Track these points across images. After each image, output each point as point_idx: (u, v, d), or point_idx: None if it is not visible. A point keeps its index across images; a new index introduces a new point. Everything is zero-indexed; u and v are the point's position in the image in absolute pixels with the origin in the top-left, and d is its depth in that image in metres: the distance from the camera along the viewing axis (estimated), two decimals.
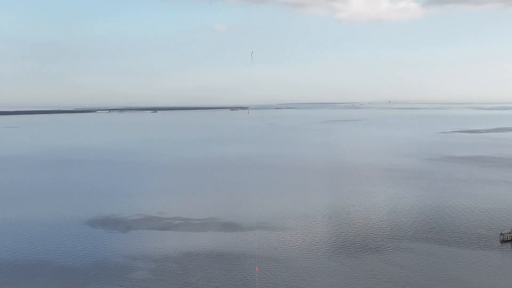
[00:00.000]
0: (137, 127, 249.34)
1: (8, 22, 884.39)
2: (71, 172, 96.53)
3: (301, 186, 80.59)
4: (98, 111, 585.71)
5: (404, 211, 68.24)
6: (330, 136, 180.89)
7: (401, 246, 55.36)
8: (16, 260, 53.35)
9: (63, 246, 57.34)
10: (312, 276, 48.59)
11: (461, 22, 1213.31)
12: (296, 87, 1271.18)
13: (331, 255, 53.20)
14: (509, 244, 57.44)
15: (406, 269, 49.81)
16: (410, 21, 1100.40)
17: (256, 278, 46.50)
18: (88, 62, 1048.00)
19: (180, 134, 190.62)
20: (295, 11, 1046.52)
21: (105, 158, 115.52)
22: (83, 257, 53.87)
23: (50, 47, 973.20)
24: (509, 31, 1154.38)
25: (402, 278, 47.52)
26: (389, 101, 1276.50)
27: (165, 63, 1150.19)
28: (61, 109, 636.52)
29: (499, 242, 57.49)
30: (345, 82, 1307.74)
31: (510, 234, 60.90)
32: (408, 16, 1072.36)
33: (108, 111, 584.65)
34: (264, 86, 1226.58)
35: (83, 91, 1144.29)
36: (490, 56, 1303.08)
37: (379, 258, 52.46)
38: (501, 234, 61.12)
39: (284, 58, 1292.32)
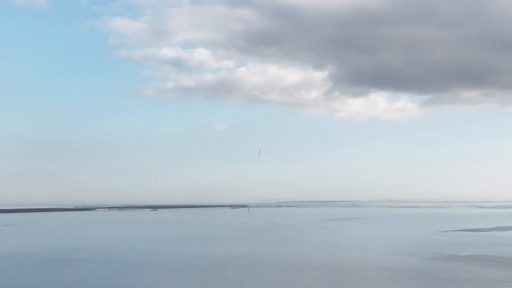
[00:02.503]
0: (136, 225, 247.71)
1: (9, 120, 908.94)
2: (67, 271, 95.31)
3: (301, 287, 79.48)
4: (98, 209, 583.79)
5: None
6: (330, 234, 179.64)
7: None
8: None
9: None
10: None
11: (458, 122, 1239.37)
12: (296, 185, 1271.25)
13: None
14: None
15: None
16: (407, 121, 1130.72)
17: None
18: (88, 160, 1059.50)
19: (180, 232, 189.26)
20: (294, 110, 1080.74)
21: (103, 257, 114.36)
22: None
23: (50, 145, 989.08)
24: (507, 130, 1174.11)
25: None
26: (389, 199, 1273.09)
27: (165, 161, 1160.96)
28: (60, 207, 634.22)
29: None
30: (345, 180, 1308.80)
31: None
32: (406, 116, 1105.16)
33: (108, 209, 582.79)
34: (264, 184, 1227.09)
35: (83, 189, 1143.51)
36: (488, 154, 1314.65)
37: None
38: None
39: (284, 156, 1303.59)
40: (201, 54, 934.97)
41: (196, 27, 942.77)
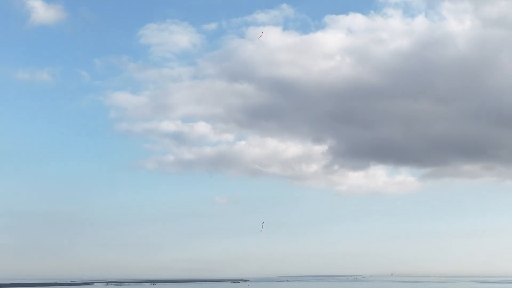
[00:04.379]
0: None
1: (8, 193, 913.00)
2: None
3: None
4: (95, 283, 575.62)
5: None
6: None
7: None
8: None
9: None
10: None
11: (458, 195, 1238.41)
12: (297, 259, 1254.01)
13: None
14: None
15: None
16: (408, 194, 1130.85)
17: None
18: (87, 233, 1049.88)
19: None
20: (294, 183, 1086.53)
21: None
22: None
23: (49, 218, 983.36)
24: (508, 204, 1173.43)
25: None
26: (391, 274, 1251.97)
27: (164, 234, 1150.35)
28: (58, 281, 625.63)
29: None
30: (346, 254, 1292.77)
31: None
32: (406, 189, 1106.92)
33: (106, 283, 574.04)
34: (265, 258, 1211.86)
35: (80, 262, 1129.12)
36: (490, 228, 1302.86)
37: None
38: None
39: (284, 230, 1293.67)
40: (201, 127, 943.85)
41: (196, 101, 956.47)
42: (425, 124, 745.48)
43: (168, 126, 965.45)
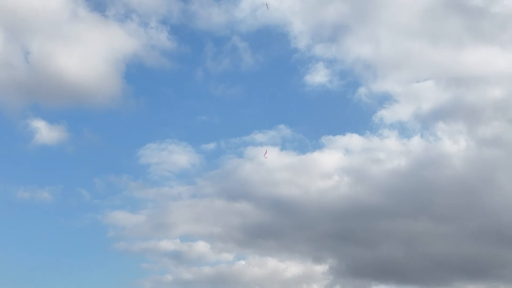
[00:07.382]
0: None
1: None
2: None
3: None
4: None
5: None
6: None
7: None
8: None
9: None
10: None
11: None
12: None
13: None
14: None
15: None
16: None
17: None
18: None
19: None
20: None
21: None
22: None
23: None
24: None
25: None
26: None
27: None
28: None
29: None
30: None
31: None
32: None
33: None
34: None
35: None
36: None
37: None
38: None
39: None
40: (200, 247, 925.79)
41: (195, 220, 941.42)
42: (426, 244, 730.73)
43: (167, 245, 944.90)
